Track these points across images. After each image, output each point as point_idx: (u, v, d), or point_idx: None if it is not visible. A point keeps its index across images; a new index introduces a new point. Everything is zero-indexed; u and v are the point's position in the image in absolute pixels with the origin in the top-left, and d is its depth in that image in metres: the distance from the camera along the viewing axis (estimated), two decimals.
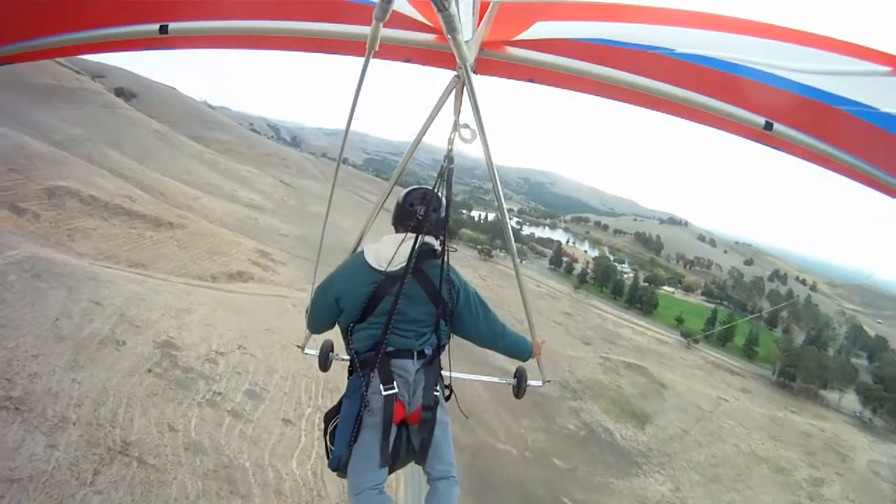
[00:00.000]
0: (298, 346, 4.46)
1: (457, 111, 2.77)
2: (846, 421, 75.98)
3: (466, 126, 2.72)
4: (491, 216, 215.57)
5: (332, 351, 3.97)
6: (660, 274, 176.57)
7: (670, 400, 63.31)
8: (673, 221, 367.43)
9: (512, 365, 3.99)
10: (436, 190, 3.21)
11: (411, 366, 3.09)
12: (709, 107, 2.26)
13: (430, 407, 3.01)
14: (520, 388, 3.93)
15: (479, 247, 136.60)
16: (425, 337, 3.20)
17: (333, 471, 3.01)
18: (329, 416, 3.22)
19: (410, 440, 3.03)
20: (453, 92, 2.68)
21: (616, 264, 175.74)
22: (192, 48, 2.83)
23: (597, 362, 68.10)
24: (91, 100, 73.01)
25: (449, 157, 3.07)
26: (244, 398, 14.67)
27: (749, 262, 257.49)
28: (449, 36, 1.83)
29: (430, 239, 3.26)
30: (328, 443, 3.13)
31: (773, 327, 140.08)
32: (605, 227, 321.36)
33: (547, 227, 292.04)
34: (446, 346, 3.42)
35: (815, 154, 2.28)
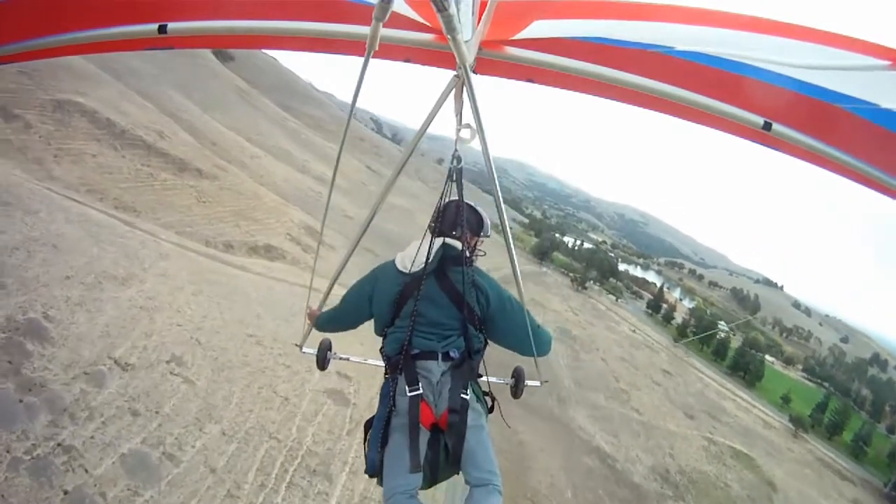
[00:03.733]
0: (297, 345, 4.49)
1: (457, 111, 2.85)
2: None
3: (468, 126, 2.80)
4: (587, 244, 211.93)
5: (330, 350, 4.07)
6: (759, 339, 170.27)
7: None
8: (768, 283, 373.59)
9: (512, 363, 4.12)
10: (445, 190, 3.33)
11: (435, 367, 3.16)
12: (708, 107, 2.29)
13: (457, 410, 3.03)
14: (518, 389, 4.06)
15: (571, 274, 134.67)
16: (450, 340, 3.27)
17: (370, 476, 3.04)
18: (367, 425, 3.28)
19: (448, 447, 3.02)
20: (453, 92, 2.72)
21: (714, 320, 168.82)
22: (192, 48, 3.00)
23: (701, 444, 62.48)
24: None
25: (457, 157, 3.21)
26: (119, 466, 9.42)
27: (845, 340, 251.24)
28: (448, 36, 1.85)
29: (456, 244, 3.38)
30: (365, 448, 3.16)
31: (878, 421, 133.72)
32: (700, 277, 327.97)
33: (640, 267, 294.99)
34: (481, 353, 3.44)
35: (814, 154, 2.29)
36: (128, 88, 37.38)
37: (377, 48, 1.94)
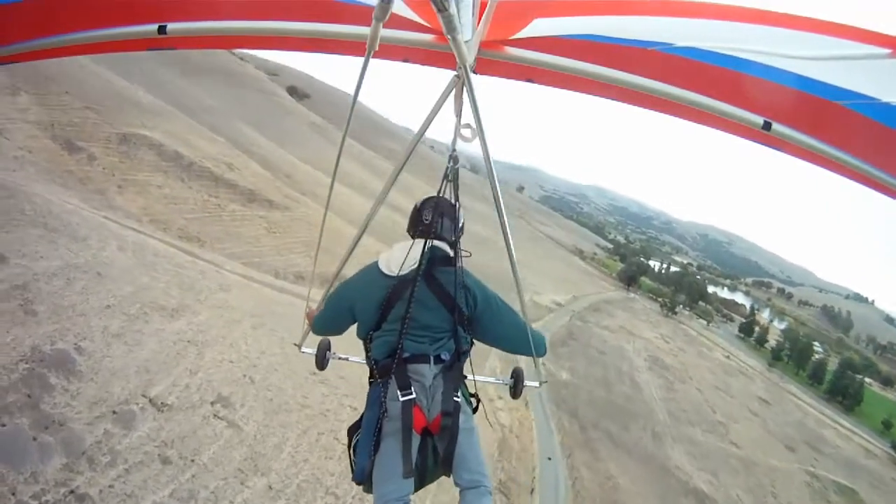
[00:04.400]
0: (296, 344, 4.30)
1: (457, 112, 2.76)
2: None
3: (468, 126, 2.74)
4: (674, 267, 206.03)
5: (329, 350, 3.94)
6: (855, 359, 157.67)
7: None
8: (858, 298, 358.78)
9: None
10: (442, 191, 3.37)
11: (428, 370, 3.11)
12: (707, 106, 2.26)
13: (450, 413, 2.99)
14: (516, 389, 3.90)
15: (660, 299, 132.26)
16: (441, 342, 3.23)
17: (358, 484, 2.96)
18: (352, 430, 3.21)
19: (437, 451, 2.99)
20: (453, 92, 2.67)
21: (808, 341, 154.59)
22: (191, 48, 2.96)
23: (803, 480, 59.48)
24: (248, 84, 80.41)
25: (453, 158, 3.29)
26: None
27: None
28: (448, 36, 1.83)
29: (443, 246, 3.35)
30: (351, 455, 3.11)
31: None
32: (789, 296, 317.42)
33: (727, 289, 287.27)
34: (468, 354, 3.41)
35: (815, 154, 2.27)
36: (199, 124, 38.40)
37: (377, 48, 1.93)
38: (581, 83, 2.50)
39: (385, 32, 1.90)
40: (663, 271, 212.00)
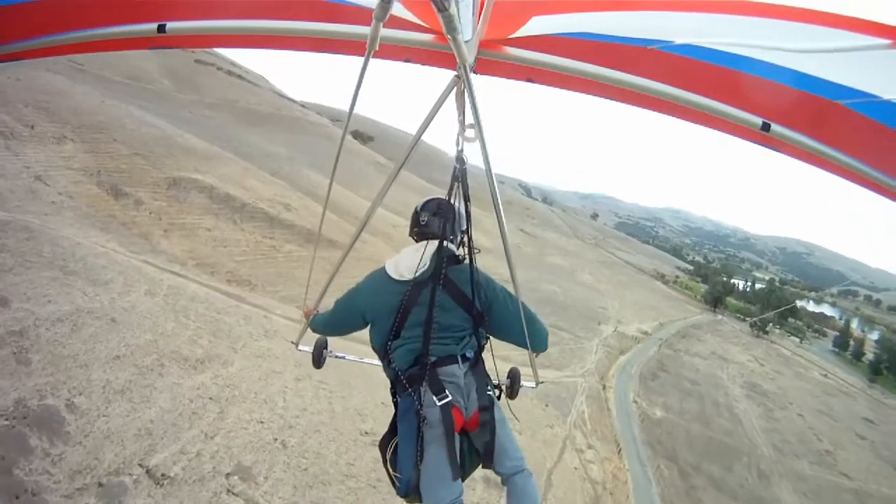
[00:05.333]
0: (292, 342, 4.43)
1: (459, 112, 2.88)
2: None
3: (472, 126, 2.82)
4: (758, 285, 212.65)
5: (325, 348, 4.03)
6: None
7: None
8: None
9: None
10: (452, 193, 3.39)
11: (458, 370, 3.14)
12: (707, 107, 2.30)
13: (487, 407, 3.07)
14: (513, 390, 4.03)
15: (748, 319, 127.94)
16: (465, 341, 3.26)
17: (404, 497, 2.97)
18: (384, 444, 3.21)
19: (473, 446, 3.06)
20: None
21: None
22: (191, 47, 2.93)
23: None
24: (309, 130, 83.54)
25: (460, 159, 3.21)
26: None
27: None
28: (449, 36, 1.82)
29: (450, 246, 3.39)
30: (391, 471, 3.10)
31: None
32: (878, 303, 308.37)
33: (812, 301, 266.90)
34: (485, 347, 3.47)
35: (814, 156, 2.33)
36: (259, 168, 38.39)
37: (377, 48, 1.96)
38: (581, 83, 2.51)
39: (385, 32, 1.91)
40: (748, 289, 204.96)
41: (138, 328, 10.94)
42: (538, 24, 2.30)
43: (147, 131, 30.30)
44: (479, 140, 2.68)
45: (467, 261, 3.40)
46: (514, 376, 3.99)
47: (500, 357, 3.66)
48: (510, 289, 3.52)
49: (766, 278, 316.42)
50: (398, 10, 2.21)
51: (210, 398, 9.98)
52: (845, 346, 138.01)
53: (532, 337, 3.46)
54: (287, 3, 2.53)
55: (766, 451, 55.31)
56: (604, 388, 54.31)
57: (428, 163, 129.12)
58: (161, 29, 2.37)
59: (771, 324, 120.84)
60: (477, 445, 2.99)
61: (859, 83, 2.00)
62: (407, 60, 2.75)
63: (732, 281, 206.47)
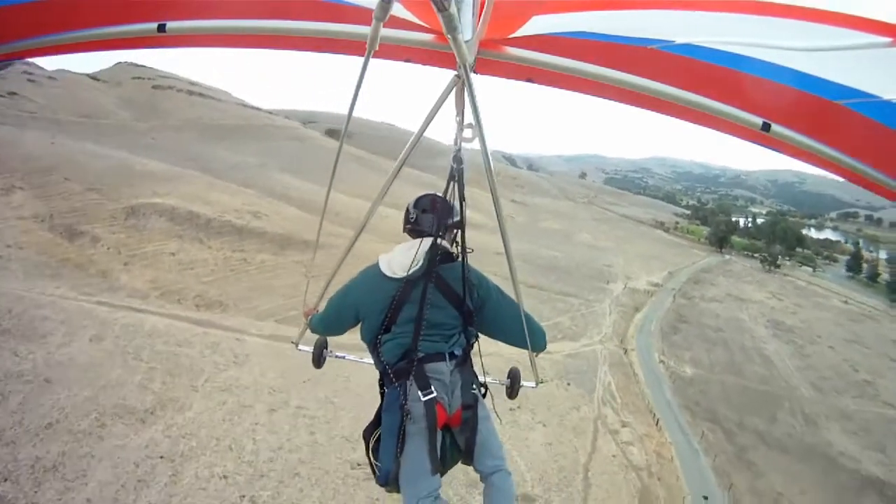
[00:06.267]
0: (293, 342, 4.11)
1: (459, 111, 2.77)
2: None
3: (471, 125, 2.67)
4: (759, 220, 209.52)
5: (325, 348, 3.91)
6: None
7: None
8: None
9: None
10: (448, 192, 3.27)
11: (445, 367, 3.10)
12: (707, 107, 2.25)
13: (471, 405, 3.05)
14: (513, 390, 3.94)
15: (757, 255, 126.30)
16: (454, 339, 3.22)
17: (382, 486, 2.92)
18: (368, 433, 3.16)
19: (455, 442, 3.06)
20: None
21: None
22: (191, 47, 2.78)
23: None
24: (278, 135, 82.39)
25: (457, 158, 3.10)
26: None
27: None
28: (449, 36, 1.78)
29: (443, 243, 3.30)
30: (372, 459, 3.08)
31: None
32: (879, 221, 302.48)
33: (813, 228, 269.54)
34: (475, 346, 3.40)
35: (814, 156, 2.28)
36: (226, 181, 37.76)
37: (377, 48, 1.93)
38: (581, 83, 2.45)
39: (385, 32, 1.90)
40: (750, 225, 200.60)
41: (76, 384, 9.94)
42: (538, 24, 2.25)
43: (101, 164, 29.72)
44: (479, 140, 2.61)
45: (467, 259, 3.32)
46: (514, 376, 3.92)
47: (497, 355, 3.42)
48: (508, 287, 3.49)
49: (764, 212, 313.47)
50: (398, 10, 2.16)
51: (161, 457, 8.88)
52: (858, 268, 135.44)
53: (529, 336, 3.42)
54: (287, 3, 2.49)
55: (805, 392, 53.25)
56: (625, 352, 51.57)
57: (426, 152, 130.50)
58: (161, 29, 2.32)
59: (780, 256, 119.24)
60: (459, 442, 3.02)
61: (859, 83, 1.96)
62: (407, 60, 2.73)
63: (733, 219, 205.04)
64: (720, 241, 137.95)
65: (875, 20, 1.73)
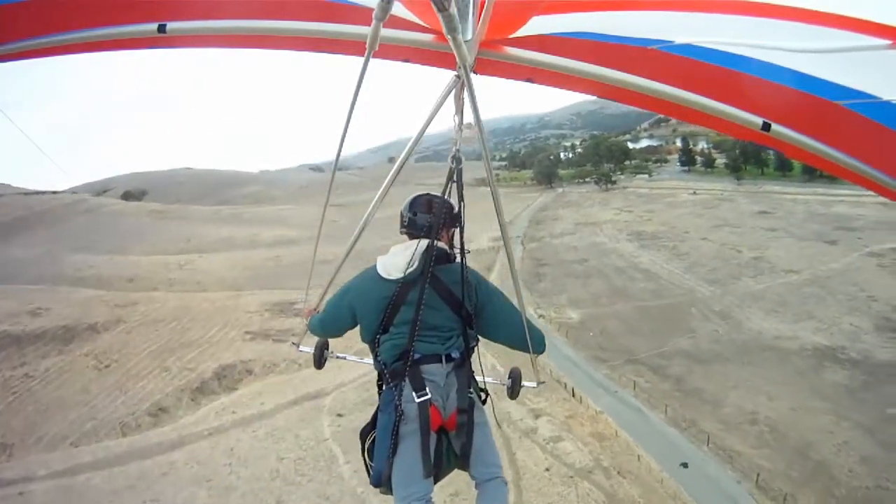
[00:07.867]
0: (293, 343, 4.49)
1: (458, 111, 2.87)
2: None
3: (470, 125, 2.86)
4: (578, 150, 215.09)
5: (326, 348, 4.11)
6: None
7: None
8: None
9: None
10: (446, 192, 3.38)
11: (440, 370, 3.22)
12: (707, 107, 2.34)
13: (466, 410, 3.13)
14: (514, 390, 4.09)
15: (588, 179, 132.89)
16: (451, 341, 3.32)
17: (375, 487, 3.08)
18: (364, 434, 3.30)
19: (452, 447, 3.13)
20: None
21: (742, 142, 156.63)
22: (191, 47, 2.98)
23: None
24: (66, 213, 78.92)
25: (457, 158, 3.23)
26: None
27: None
28: (449, 36, 1.90)
29: (440, 244, 3.41)
30: (367, 460, 3.21)
31: None
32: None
33: (629, 143, 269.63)
34: (475, 350, 3.55)
35: (814, 156, 2.38)
36: (8, 284, 35.48)
37: (377, 48, 1.99)
38: (581, 83, 2.56)
39: (385, 32, 1.95)
40: (571, 155, 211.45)
41: None
42: (538, 24, 2.33)
43: None
44: (479, 140, 2.81)
45: (466, 261, 3.39)
46: (514, 377, 4.01)
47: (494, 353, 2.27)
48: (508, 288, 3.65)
49: (578, 143, 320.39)
50: (398, 10, 2.20)
51: None
52: (692, 161, 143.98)
53: (530, 340, 3.51)
54: (287, 3, 2.58)
55: (705, 290, 53.33)
56: None
57: (217, 187, 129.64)
58: (161, 29, 2.37)
59: (612, 172, 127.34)
60: (455, 447, 3.06)
61: (859, 83, 2.04)
62: (407, 60, 2.81)
63: (552, 156, 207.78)
64: (548, 177, 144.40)
65: (874, 22, 1.83)
